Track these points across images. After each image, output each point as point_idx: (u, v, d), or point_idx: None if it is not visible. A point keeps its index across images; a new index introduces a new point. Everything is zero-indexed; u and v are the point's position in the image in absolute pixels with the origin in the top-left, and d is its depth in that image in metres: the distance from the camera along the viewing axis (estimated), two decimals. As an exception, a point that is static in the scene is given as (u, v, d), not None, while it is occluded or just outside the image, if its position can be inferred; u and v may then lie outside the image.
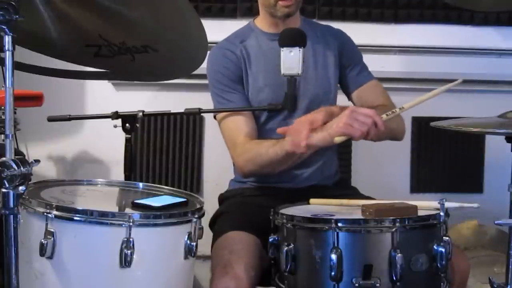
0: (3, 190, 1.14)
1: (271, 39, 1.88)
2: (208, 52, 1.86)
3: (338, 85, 1.98)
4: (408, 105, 1.61)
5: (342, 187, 1.99)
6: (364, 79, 1.95)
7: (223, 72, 1.90)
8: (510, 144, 1.50)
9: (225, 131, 1.88)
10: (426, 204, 1.49)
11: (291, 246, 1.40)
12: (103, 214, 1.29)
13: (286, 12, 1.84)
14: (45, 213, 1.28)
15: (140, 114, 1.76)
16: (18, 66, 1.20)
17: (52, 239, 1.27)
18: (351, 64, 1.96)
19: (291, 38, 1.69)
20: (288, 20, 1.87)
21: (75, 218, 1.29)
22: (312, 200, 1.65)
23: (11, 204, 1.15)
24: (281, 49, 1.66)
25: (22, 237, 1.25)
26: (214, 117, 1.94)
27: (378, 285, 1.32)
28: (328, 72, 1.93)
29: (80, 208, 1.31)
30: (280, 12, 1.85)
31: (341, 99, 2.00)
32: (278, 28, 1.85)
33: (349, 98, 1.98)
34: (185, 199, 1.49)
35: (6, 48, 1.14)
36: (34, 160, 1.19)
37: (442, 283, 1.40)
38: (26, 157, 1.19)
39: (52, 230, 1.28)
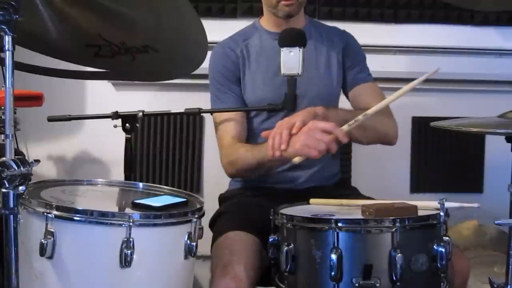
0: (3, 190, 1.14)
1: (274, 39, 1.87)
2: (212, 50, 1.91)
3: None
4: (371, 110, 1.55)
5: (342, 187, 1.99)
6: (361, 79, 1.94)
7: (222, 71, 1.91)
8: (510, 144, 1.50)
9: (216, 131, 1.92)
10: (426, 204, 1.49)
11: (291, 246, 1.40)
12: (103, 214, 1.29)
13: (287, 12, 1.84)
14: (45, 213, 1.28)
15: (140, 114, 1.76)
16: (18, 66, 1.20)
17: (52, 239, 1.27)
18: (353, 64, 1.96)
19: (291, 38, 1.69)
20: (292, 20, 1.88)
21: (75, 218, 1.29)
22: (312, 200, 1.66)
23: (11, 204, 1.15)
24: (281, 49, 1.66)
25: (22, 237, 1.25)
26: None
27: (378, 285, 1.32)
28: (332, 72, 1.93)
29: (80, 208, 1.31)
30: (282, 12, 1.85)
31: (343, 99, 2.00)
32: (282, 28, 1.84)
33: (346, 97, 1.98)
34: (185, 199, 1.49)
35: (6, 48, 1.14)
36: (34, 160, 1.19)
37: (442, 283, 1.40)
38: (26, 157, 1.19)
39: (52, 230, 1.28)
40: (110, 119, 1.78)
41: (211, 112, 1.93)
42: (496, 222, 1.48)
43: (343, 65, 1.95)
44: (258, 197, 1.88)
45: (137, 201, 1.43)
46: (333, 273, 1.32)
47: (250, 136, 1.92)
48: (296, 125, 1.57)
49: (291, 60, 1.65)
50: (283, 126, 1.60)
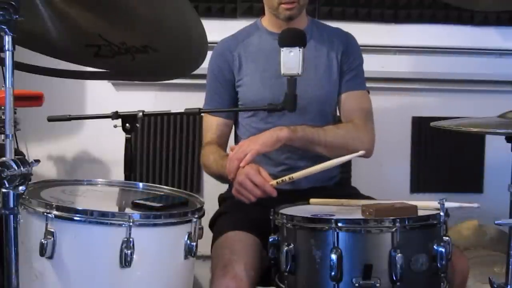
0: (3, 190, 1.14)
1: (274, 39, 1.87)
2: (215, 46, 1.98)
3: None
4: (296, 175, 1.64)
5: (342, 187, 1.99)
6: (353, 86, 1.94)
7: (216, 73, 1.96)
8: (510, 144, 1.50)
9: (203, 129, 2.00)
10: (426, 204, 1.49)
11: (291, 246, 1.40)
12: (103, 214, 1.29)
13: (288, 15, 1.85)
14: (45, 213, 1.28)
15: (140, 114, 1.76)
16: (18, 66, 1.20)
17: (52, 239, 1.27)
18: (349, 68, 1.95)
19: (291, 38, 1.69)
20: (293, 21, 1.88)
21: (75, 218, 1.29)
22: (312, 200, 1.66)
23: (11, 204, 1.15)
24: (281, 49, 1.66)
25: (22, 237, 1.25)
26: None
27: (378, 285, 1.32)
28: (331, 74, 1.92)
29: (80, 208, 1.31)
30: (282, 15, 1.86)
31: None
32: (283, 28, 1.85)
33: (337, 100, 1.98)
34: (185, 199, 1.49)
35: (6, 48, 1.14)
36: (34, 160, 1.19)
37: (442, 283, 1.40)
38: (26, 157, 1.19)
39: (52, 230, 1.28)
40: (110, 119, 1.77)
41: (211, 112, 1.93)
42: (496, 222, 1.48)
43: (341, 67, 1.94)
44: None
45: (137, 201, 1.43)
46: (333, 273, 1.32)
47: (247, 136, 1.93)
48: (246, 159, 1.67)
49: (291, 60, 1.65)
50: (235, 155, 1.69)
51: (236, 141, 2.01)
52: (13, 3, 1.13)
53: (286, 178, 1.63)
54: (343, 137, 1.82)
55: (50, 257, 1.27)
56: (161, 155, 2.83)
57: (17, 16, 1.13)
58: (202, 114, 1.96)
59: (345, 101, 1.94)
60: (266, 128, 1.86)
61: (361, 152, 1.60)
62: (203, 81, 2.02)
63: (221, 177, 1.82)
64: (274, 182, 1.63)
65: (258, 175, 1.63)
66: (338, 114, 2.01)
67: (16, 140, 2.39)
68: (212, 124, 1.95)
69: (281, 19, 1.88)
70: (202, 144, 1.97)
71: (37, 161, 1.20)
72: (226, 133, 1.98)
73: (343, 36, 1.99)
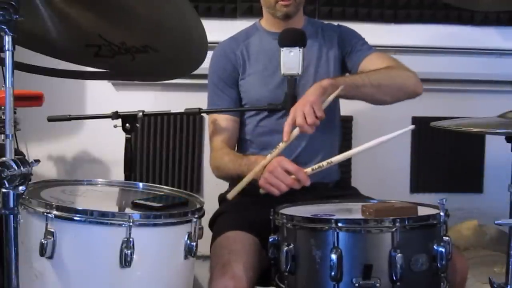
0: (3, 190, 1.14)
1: (273, 38, 1.88)
2: (214, 50, 1.94)
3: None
4: (336, 159, 1.58)
5: (342, 187, 1.99)
6: (364, 53, 1.92)
7: (220, 73, 1.94)
8: (510, 144, 1.50)
9: (208, 131, 1.96)
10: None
11: (291, 246, 1.40)
12: (103, 214, 1.29)
13: (285, 12, 1.85)
14: (45, 213, 1.28)
15: (140, 114, 1.76)
16: (18, 66, 1.20)
17: (52, 239, 1.27)
18: (352, 47, 1.94)
19: (291, 38, 1.69)
20: (291, 20, 1.88)
21: (75, 218, 1.29)
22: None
23: (11, 204, 1.15)
24: (281, 49, 1.66)
25: (22, 237, 1.25)
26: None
27: (378, 285, 1.32)
28: (329, 69, 1.93)
29: (80, 208, 1.31)
30: (280, 12, 1.86)
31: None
32: (281, 28, 1.85)
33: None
34: (185, 199, 1.49)
35: (6, 48, 1.14)
36: (34, 160, 1.19)
37: (442, 283, 1.40)
38: (26, 157, 1.19)
39: (52, 230, 1.28)
40: (110, 119, 1.78)
41: (211, 112, 1.93)
42: (496, 222, 1.48)
43: (342, 52, 1.95)
44: (257, 197, 1.88)
45: (137, 201, 1.43)
46: (333, 273, 1.32)
47: (251, 135, 1.93)
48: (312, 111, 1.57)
49: (291, 60, 1.65)
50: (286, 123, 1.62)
51: (240, 142, 2.00)
52: (13, 3, 1.13)
53: (324, 163, 1.57)
54: (388, 74, 1.77)
55: (50, 257, 1.27)
56: (161, 155, 2.83)
57: (17, 16, 1.13)
58: (203, 114, 1.95)
59: (366, 67, 1.88)
60: (269, 126, 1.86)
61: (411, 127, 1.54)
62: (203, 81, 2.02)
63: (237, 177, 1.77)
64: (309, 169, 1.57)
65: (291, 162, 1.58)
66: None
67: (16, 140, 2.39)
68: (221, 127, 1.91)
69: (278, 17, 1.88)
70: (212, 147, 1.92)
71: (37, 161, 1.20)
72: (235, 131, 1.94)
73: (335, 28, 2.00)
